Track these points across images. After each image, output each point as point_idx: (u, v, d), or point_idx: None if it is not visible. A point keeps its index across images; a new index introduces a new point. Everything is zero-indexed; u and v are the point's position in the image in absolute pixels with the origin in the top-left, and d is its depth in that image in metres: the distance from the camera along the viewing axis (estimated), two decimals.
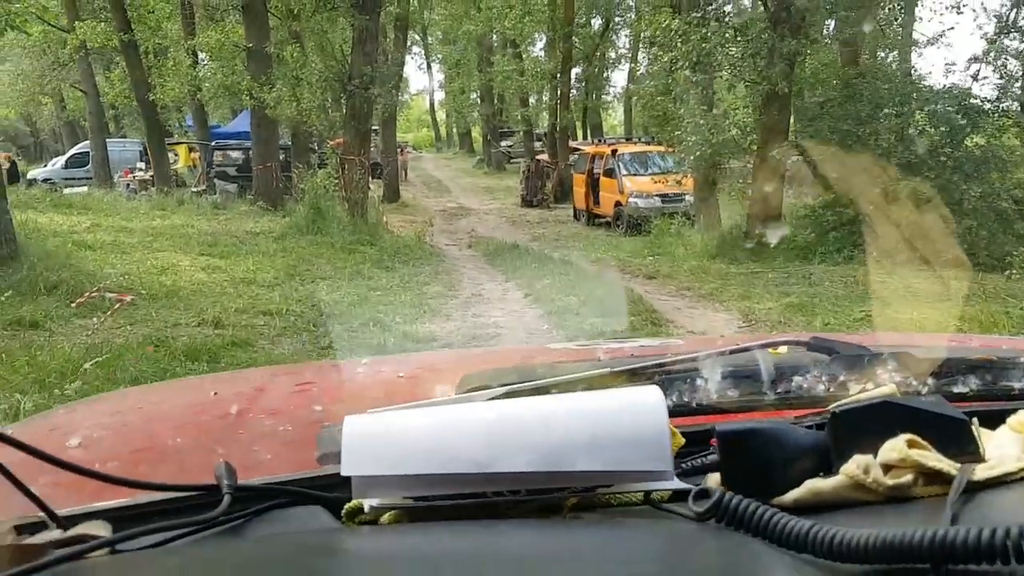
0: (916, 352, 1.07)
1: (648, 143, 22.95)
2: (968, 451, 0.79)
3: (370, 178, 17.32)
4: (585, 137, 34.88)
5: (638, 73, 35.16)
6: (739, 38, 14.35)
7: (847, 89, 15.22)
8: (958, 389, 1.01)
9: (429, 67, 48.45)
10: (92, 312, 8.25)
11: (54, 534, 0.74)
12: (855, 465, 0.76)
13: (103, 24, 23.70)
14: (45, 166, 31.62)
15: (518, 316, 9.24)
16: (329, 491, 0.86)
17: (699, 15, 14.46)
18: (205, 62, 25.89)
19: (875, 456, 0.77)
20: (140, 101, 23.42)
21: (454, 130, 51.86)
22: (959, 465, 0.76)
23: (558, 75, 26.97)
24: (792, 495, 0.77)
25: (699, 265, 13.50)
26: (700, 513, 0.72)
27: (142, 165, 26.91)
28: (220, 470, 0.81)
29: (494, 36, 33.77)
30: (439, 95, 54.96)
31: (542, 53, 34.19)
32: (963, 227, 13.05)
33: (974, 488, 0.74)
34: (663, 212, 18.82)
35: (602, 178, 21.68)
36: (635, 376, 1.04)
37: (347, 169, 15.94)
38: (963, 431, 0.80)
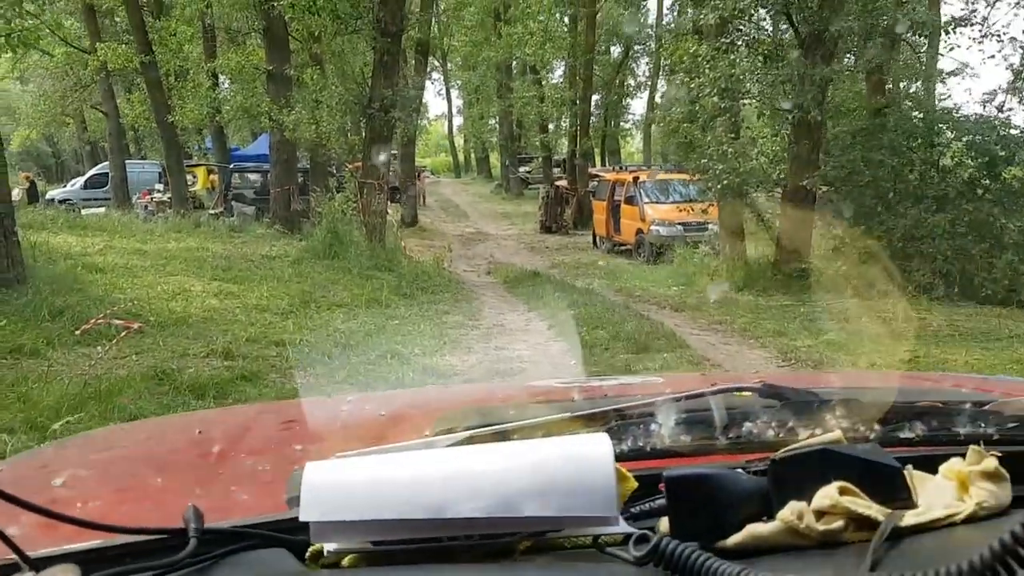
0: (865, 397, 1.11)
1: (669, 171, 22.51)
2: (899, 498, 0.82)
3: (388, 202, 16.85)
4: (604, 163, 34.46)
5: (658, 100, 34.83)
6: (769, 64, 13.88)
7: (877, 118, 14.71)
8: (903, 435, 1.02)
9: (448, 93, 48.37)
10: (97, 340, 7.77)
11: None
12: (790, 511, 0.79)
13: (124, 46, 23.49)
14: (65, 186, 31.44)
15: (542, 350, 8.73)
16: (295, 534, 0.86)
17: (727, 41, 14.01)
18: (225, 85, 25.70)
19: (809, 503, 0.80)
20: (159, 123, 23.12)
21: (472, 155, 51.61)
22: (887, 511, 0.79)
23: (578, 101, 26.59)
24: (733, 539, 0.79)
25: (727, 297, 12.97)
26: (639, 557, 0.75)
27: (160, 187, 26.62)
28: (188, 513, 0.83)
29: (514, 62, 33.47)
30: (457, 120, 54.90)
31: (562, 79, 33.94)
32: (1003, 262, 12.48)
33: (901, 534, 0.78)
34: (685, 241, 18.34)
35: (623, 205, 21.21)
36: (592, 421, 1.06)
37: (366, 193, 15.51)
38: (895, 478, 0.84)
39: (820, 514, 0.79)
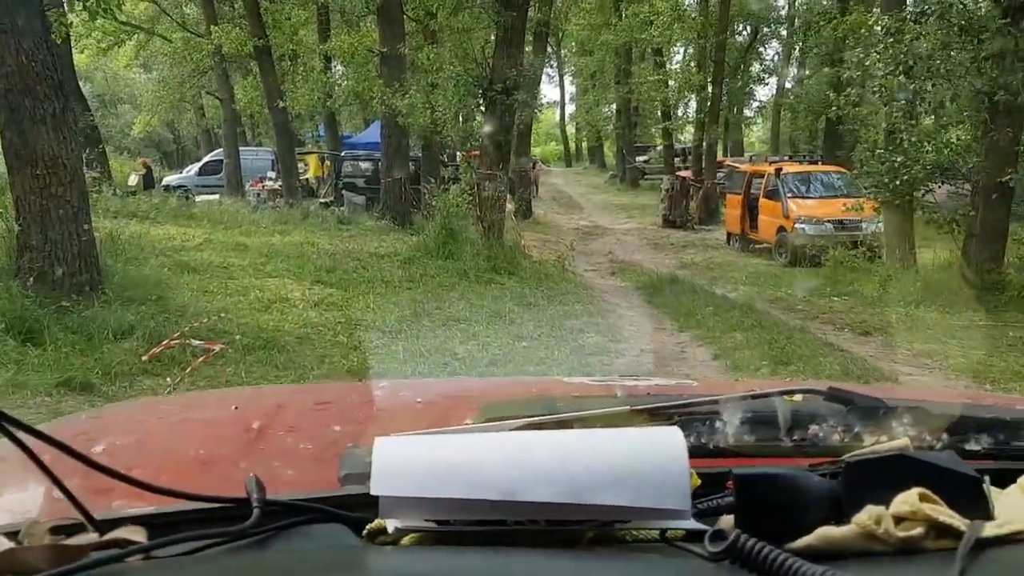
0: (931, 408, 1.06)
1: (814, 162, 19.96)
2: (978, 508, 0.79)
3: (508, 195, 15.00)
4: (725, 153, 31.84)
5: (787, 86, 31.98)
6: (966, 38, 11.34)
7: None
8: (971, 447, 0.98)
9: (561, 79, 46.14)
10: (168, 367, 6.18)
11: (91, 537, 0.75)
12: (867, 515, 0.76)
13: (238, 30, 22.41)
14: (180, 173, 30.89)
15: None
16: (351, 510, 0.86)
17: (916, 11, 11.55)
18: (337, 69, 24.41)
19: (887, 507, 0.77)
20: (271, 109, 21.94)
21: (584, 144, 49.37)
22: (969, 521, 0.76)
23: (708, 86, 24.14)
24: (804, 541, 0.77)
25: (908, 314, 10.61)
26: (715, 553, 0.73)
27: (272, 174, 25.58)
28: (251, 484, 0.82)
29: (634, 46, 31.13)
30: (569, 108, 52.64)
31: (686, 63, 31.45)
32: None
33: (983, 545, 0.75)
34: (836, 241, 15.89)
35: (762, 200, 18.77)
36: (655, 415, 1.04)
37: (483, 186, 13.70)
38: (975, 488, 0.81)
39: (898, 520, 0.76)
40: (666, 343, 8.73)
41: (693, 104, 33.85)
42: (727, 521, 0.81)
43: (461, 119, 16.29)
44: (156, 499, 0.82)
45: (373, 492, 0.77)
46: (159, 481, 0.84)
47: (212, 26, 22.84)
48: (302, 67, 21.65)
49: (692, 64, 29.14)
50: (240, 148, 27.09)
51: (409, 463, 0.79)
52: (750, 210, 19.39)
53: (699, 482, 0.86)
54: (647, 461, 0.78)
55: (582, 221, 25.88)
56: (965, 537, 0.73)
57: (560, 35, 37.23)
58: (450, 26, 14.57)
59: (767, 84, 34.51)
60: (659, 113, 32.09)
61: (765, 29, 33.28)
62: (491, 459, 0.79)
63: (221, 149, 27.55)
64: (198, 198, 24.28)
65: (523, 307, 10.02)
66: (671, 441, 0.80)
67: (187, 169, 30.70)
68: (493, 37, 13.98)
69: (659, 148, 34.00)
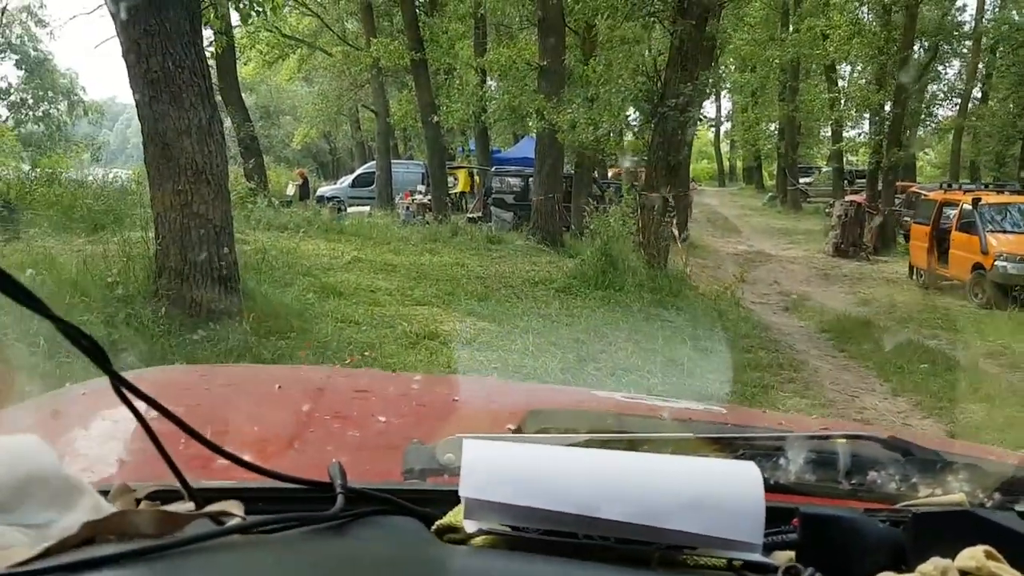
0: (986, 466, 1.08)
1: (1018, 192, 17.51)
2: None
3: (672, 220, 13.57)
4: (897, 177, 29.14)
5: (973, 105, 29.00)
6: None
7: None
8: (1021, 508, 0.94)
9: (717, 96, 44.07)
10: None
11: (189, 506, 0.76)
12: (933, 566, 0.76)
13: (396, 43, 22.03)
14: (335, 184, 31.05)
15: None
16: (420, 505, 0.87)
17: None
18: (491, 84, 23.68)
19: (952, 560, 0.77)
20: (424, 122, 21.40)
21: (738, 163, 46.98)
22: None
23: (887, 104, 21.88)
24: None
25: None
26: None
27: (422, 188, 25.13)
28: (334, 470, 0.83)
29: (801, 63, 28.96)
30: (723, 125, 50.28)
31: (855, 81, 29.02)
32: None
33: None
34: None
35: (954, 232, 16.53)
36: (720, 445, 1.05)
37: (648, 208, 12.38)
38: None
39: (963, 574, 0.76)
40: (882, 411, 7.15)
41: (864, 125, 31.34)
42: (787, 556, 0.82)
43: (622, 136, 14.98)
44: (240, 472, 0.82)
45: (462, 494, 0.78)
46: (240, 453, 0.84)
47: (371, 39, 22.58)
48: (458, 81, 20.94)
49: (863, 81, 26.72)
50: (392, 161, 26.86)
51: (497, 468, 0.80)
52: (939, 243, 17.17)
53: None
54: (725, 492, 0.79)
55: (741, 246, 24.03)
56: None
57: (718, 50, 35.36)
58: (620, 37, 13.30)
59: (945, 106, 31.43)
60: (826, 133, 29.74)
61: (945, 46, 30.35)
62: (574, 473, 0.80)
63: (374, 161, 27.43)
64: (350, 209, 24.15)
65: (699, 353, 8.63)
66: (748, 475, 0.81)
67: (341, 181, 30.85)
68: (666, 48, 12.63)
69: (823, 170, 31.59)
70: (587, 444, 0.96)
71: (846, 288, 17.21)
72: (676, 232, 12.89)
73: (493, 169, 23.79)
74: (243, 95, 24.59)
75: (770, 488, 0.92)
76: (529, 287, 11.42)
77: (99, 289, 7.15)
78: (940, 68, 31.81)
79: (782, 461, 1.00)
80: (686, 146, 13.47)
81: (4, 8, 30.91)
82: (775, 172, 40.14)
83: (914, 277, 18.24)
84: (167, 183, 6.92)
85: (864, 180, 30.07)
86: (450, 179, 24.40)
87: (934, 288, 17.26)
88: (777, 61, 29.39)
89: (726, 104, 45.67)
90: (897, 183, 22.96)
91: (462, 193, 25.84)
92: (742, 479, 0.80)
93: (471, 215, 22.78)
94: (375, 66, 23.45)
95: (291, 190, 25.84)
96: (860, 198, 23.75)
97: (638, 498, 0.78)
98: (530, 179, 22.00)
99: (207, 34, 17.19)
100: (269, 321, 7.15)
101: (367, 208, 24.25)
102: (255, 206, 16.18)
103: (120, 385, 0.70)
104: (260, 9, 7.11)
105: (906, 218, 23.36)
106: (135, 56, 6.74)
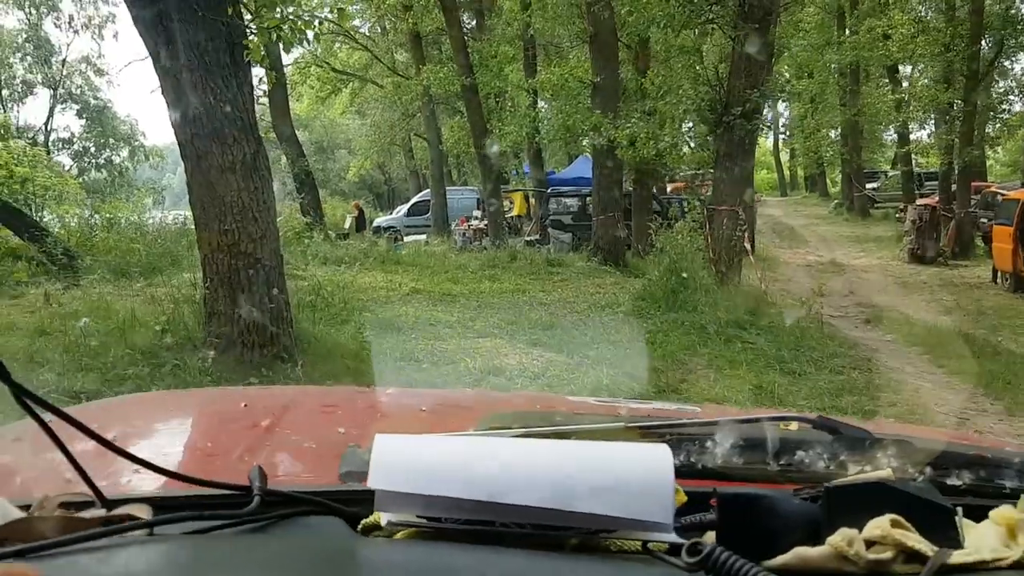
0: (916, 442, 1.07)
1: None
2: (948, 537, 0.81)
3: (744, 233, 12.80)
4: (971, 178, 27.71)
5: None
6: None
7: None
8: (951, 481, 0.99)
9: (774, 103, 42.82)
10: None
11: (99, 512, 0.78)
12: (840, 537, 0.77)
13: (446, 69, 21.74)
14: (390, 214, 30.87)
15: None
16: (348, 506, 0.87)
17: None
18: (542, 105, 23.23)
19: (860, 531, 0.78)
20: (477, 147, 21.02)
21: (799, 172, 45.61)
22: (936, 548, 0.78)
23: (954, 104, 20.74)
24: (780, 560, 0.78)
25: None
26: (691, 564, 0.74)
27: (478, 213, 24.74)
28: (253, 473, 0.84)
29: (862, 65, 27.84)
30: (781, 134, 48.88)
31: (916, 80, 27.76)
32: None
33: (948, 571, 0.77)
34: None
35: None
36: (648, 434, 1.06)
37: (718, 222, 11.68)
38: (946, 518, 0.83)
39: (869, 544, 0.78)
40: (999, 433, 6.32)
41: (930, 126, 30.05)
42: (709, 538, 0.82)
43: (683, 149, 14.29)
44: (167, 484, 0.85)
45: (370, 485, 0.78)
46: (168, 466, 0.85)
47: (420, 67, 22.35)
48: (510, 103, 20.52)
49: (925, 80, 25.53)
50: (447, 188, 26.55)
51: (406, 460, 0.80)
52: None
53: (686, 499, 0.86)
54: (634, 475, 0.79)
55: (810, 256, 22.98)
56: (930, 562, 0.76)
57: (774, 58, 34.32)
58: (679, 46, 12.64)
59: (1014, 101, 29.87)
60: (889, 136, 28.49)
61: (1012, 41, 28.91)
62: (484, 462, 0.80)
63: (428, 190, 27.18)
64: (406, 238, 23.88)
65: (788, 377, 7.91)
66: (659, 457, 0.81)
67: (396, 210, 30.66)
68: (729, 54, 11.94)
69: (889, 174, 30.33)
70: (528, 436, 0.96)
71: (927, 296, 16.16)
72: (749, 246, 12.14)
73: (549, 190, 23.29)
74: (298, 131, 24.61)
75: (697, 473, 0.96)
76: (596, 312, 10.79)
77: (148, 337, 6.76)
78: (1007, 63, 30.38)
79: (709, 446, 1.00)
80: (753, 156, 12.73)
81: (64, 60, 31.67)
82: (838, 179, 38.81)
83: (998, 281, 17.07)
84: (213, 223, 6.51)
85: (934, 182, 28.76)
86: (506, 203, 23.96)
87: (1022, 291, 16.12)
88: (835, 65, 28.36)
89: (783, 111, 44.48)
90: (972, 184, 21.73)
91: (518, 216, 25.35)
92: (652, 461, 0.80)
93: (528, 238, 22.27)
94: (426, 94, 23.21)
95: (347, 222, 25.69)
96: (933, 201, 22.57)
97: (551, 484, 0.77)
98: (587, 199, 21.44)
99: (259, 72, 17.13)
100: (324, 364, 6.66)
101: (423, 236, 23.97)
102: (311, 240, 15.90)
103: (25, 397, 0.70)
104: (303, 36, 6.65)
105: (983, 220, 22.12)
106: (174, 93, 6.37)
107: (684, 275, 11.22)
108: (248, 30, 6.72)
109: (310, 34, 7.25)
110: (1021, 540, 0.82)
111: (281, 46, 7.06)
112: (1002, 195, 18.68)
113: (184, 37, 6.13)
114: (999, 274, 17.08)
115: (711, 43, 12.27)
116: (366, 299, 10.72)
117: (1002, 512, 0.85)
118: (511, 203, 25.64)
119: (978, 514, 0.87)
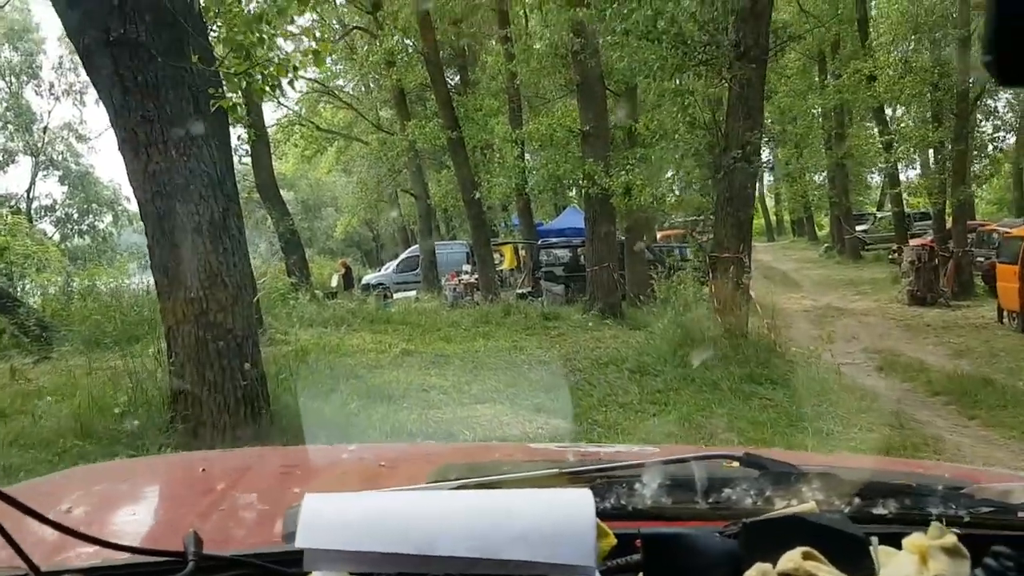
0: (841, 474, 1.08)
1: None
2: (862, 567, 0.82)
3: (747, 281, 12.09)
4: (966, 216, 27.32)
5: None
6: None
7: None
8: (875, 511, 0.99)
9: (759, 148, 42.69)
10: None
11: None
12: (756, 571, 0.78)
13: (431, 124, 21.25)
14: (379, 270, 30.15)
15: None
16: (287, 566, 0.85)
17: None
18: (528, 157, 22.75)
19: (775, 565, 0.79)
20: (466, 201, 20.42)
21: (786, 216, 45.24)
22: None
23: (948, 143, 20.33)
24: None
25: None
26: None
27: (468, 267, 24.03)
28: (188, 539, 0.83)
29: (847, 107, 27.58)
30: (766, 177, 48.63)
31: (900, 121, 27.49)
32: None
33: None
34: None
35: None
36: (578, 478, 1.05)
37: (720, 270, 10.99)
38: (860, 548, 0.84)
39: None
40: None
41: (916, 167, 29.81)
42: None
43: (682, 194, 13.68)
44: (109, 554, 0.83)
45: (298, 545, 0.77)
46: (115, 537, 0.83)
47: (405, 122, 21.85)
48: (497, 155, 19.98)
49: (915, 120, 25.23)
50: (435, 242, 25.90)
51: (335, 518, 0.79)
52: None
53: (615, 542, 0.86)
54: (556, 520, 0.78)
55: (806, 301, 22.30)
56: None
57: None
58: (672, 90, 12.07)
59: (999, 139, 29.70)
60: (874, 178, 28.14)
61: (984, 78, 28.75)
62: (412, 516, 0.79)
63: (417, 245, 26.53)
64: (396, 295, 23.14)
65: (816, 439, 7.12)
66: (579, 501, 0.80)
67: (385, 267, 29.97)
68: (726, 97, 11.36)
69: (879, 215, 29.90)
70: (460, 490, 0.94)
71: (934, 339, 15.45)
72: (754, 294, 11.44)
73: (540, 242, 22.65)
74: (284, 191, 23.98)
75: (627, 515, 0.96)
76: (599, 369, 10.01)
77: (107, 421, 5.94)
78: (989, 102, 30.30)
79: (637, 487, 0.99)
80: (753, 200, 12.11)
81: (46, 127, 31.09)
82: (825, 222, 38.44)
83: (1004, 321, 16.40)
84: (178, 290, 5.74)
85: (923, 223, 28.33)
86: (496, 256, 23.30)
87: None
88: (818, 109, 28.08)
89: (767, 156, 44.27)
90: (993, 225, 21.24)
91: (510, 269, 24.67)
92: (573, 505, 0.80)
93: (521, 291, 21.56)
94: (411, 149, 22.69)
95: (335, 281, 24.94)
96: (928, 241, 22.02)
97: (476, 533, 0.77)
98: (579, 249, 20.83)
99: (241, 133, 16.49)
100: (305, 443, 5.83)
101: (413, 292, 23.24)
102: (296, 302, 15.12)
103: None
104: (275, 84, 5.96)
105: (979, 259, 21.61)
106: (132, 148, 5.65)
107: (688, 328, 10.49)
108: (215, 78, 6.04)
109: (285, 83, 6.54)
110: (931, 567, 0.83)
111: (260, 98, 6.38)
112: (1005, 233, 18.13)
113: (140, 85, 5.43)
114: (1005, 313, 16.44)
115: (704, 86, 11.75)
116: (354, 363, 9.91)
117: (913, 540, 0.86)
118: (501, 256, 24.99)
119: (898, 542, 0.87)
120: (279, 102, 26.11)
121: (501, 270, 24.20)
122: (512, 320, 15.33)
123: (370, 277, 28.23)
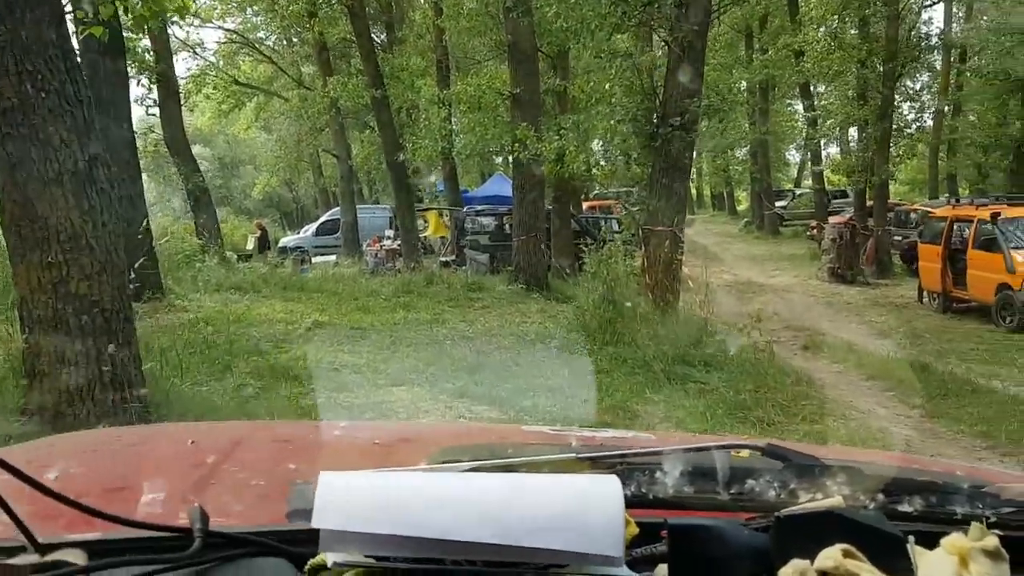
0: (865, 469, 1.04)
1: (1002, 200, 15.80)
2: (900, 567, 0.79)
3: (680, 256, 11.46)
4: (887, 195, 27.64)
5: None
6: None
7: None
8: (902, 508, 0.94)
9: None
10: None
11: (32, 558, 0.74)
12: (792, 569, 0.75)
13: (355, 81, 20.00)
14: (297, 233, 28.74)
15: None
16: (295, 546, 0.82)
17: None
18: (455, 121, 21.77)
19: (812, 562, 0.76)
20: (389, 164, 19.31)
21: (706, 190, 45.33)
22: None
23: (873, 120, 20.17)
24: None
25: None
26: None
27: (390, 233, 22.94)
28: (194, 514, 0.79)
29: (771, 83, 27.34)
30: None
31: (825, 98, 27.45)
32: None
33: None
34: None
35: (972, 251, 14.74)
36: (598, 464, 1.02)
37: (654, 244, 10.35)
38: (898, 547, 0.81)
39: (822, 574, 0.75)
40: None
41: (836, 145, 29.91)
42: (661, 570, 0.80)
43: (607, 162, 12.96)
44: (106, 526, 0.80)
45: (315, 525, 0.74)
46: (108, 509, 0.81)
47: (328, 78, 20.53)
48: (423, 116, 18.93)
49: (841, 97, 25.20)
50: (357, 206, 24.68)
51: (352, 498, 0.77)
52: (952, 263, 15.36)
53: (637, 531, 0.84)
54: (583, 508, 0.76)
55: (726, 275, 22.01)
56: None
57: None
58: (612, 50, 11.23)
59: (919, 120, 30.06)
60: (792, 156, 28.10)
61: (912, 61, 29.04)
62: (431, 499, 0.77)
63: (338, 208, 25.27)
64: (315, 259, 21.93)
65: (760, 429, 6.53)
66: (608, 489, 0.78)
67: (304, 229, 28.57)
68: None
69: (798, 192, 29.97)
70: (477, 471, 0.92)
71: (856, 318, 15.23)
72: (688, 271, 10.85)
73: (465, 209, 21.73)
74: (200, 146, 22.41)
75: (648, 503, 0.91)
76: (526, 347, 9.27)
77: None
78: (908, 83, 30.54)
79: (659, 475, 0.95)
80: (689, 171, 11.49)
81: None
82: (745, 197, 38.54)
83: (925, 301, 16.35)
84: (32, 253, 4.70)
85: (840, 200, 28.48)
86: (420, 222, 22.30)
87: (952, 312, 15.42)
88: (743, 83, 27.79)
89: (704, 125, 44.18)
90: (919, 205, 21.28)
91: (438, 238, 23.68)
92: (602, 494, 0.78)
93: (444, 259, 20.64)
94: (334, 107, 21.40)
95: (250, 243, 23.55)
96: (845, 219, 21.98)
97: (500, 519, 0.75)
98: (505, 218, 19.99)
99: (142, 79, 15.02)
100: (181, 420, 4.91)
101: (333, 257, 22.08)
102: (204, 265, 13.91)
103: None
104: (143, 16, 4.91)
105: (896, 237, 21.71)
106: None
107: (628, 304, 9.82)
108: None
109: (184, 30, 5.48)
110: (973, 569, 0.80)
111: (136, 30, 5.31)
112: (929, 213, 18.08)
113: None
114: (926, 293, 16.37)
115: (640, 50, 10.98)
116: (259, 336, 8.91)
117: (953, 540, 0.83)
118: (425, 222, 23.98)
119: (930, 541, 0.85)
120: (194, 51, 24.36)
121: (425, 236, 23.22)
122: (435, 290, 14.46)
123: (288, 240, 26.84)
